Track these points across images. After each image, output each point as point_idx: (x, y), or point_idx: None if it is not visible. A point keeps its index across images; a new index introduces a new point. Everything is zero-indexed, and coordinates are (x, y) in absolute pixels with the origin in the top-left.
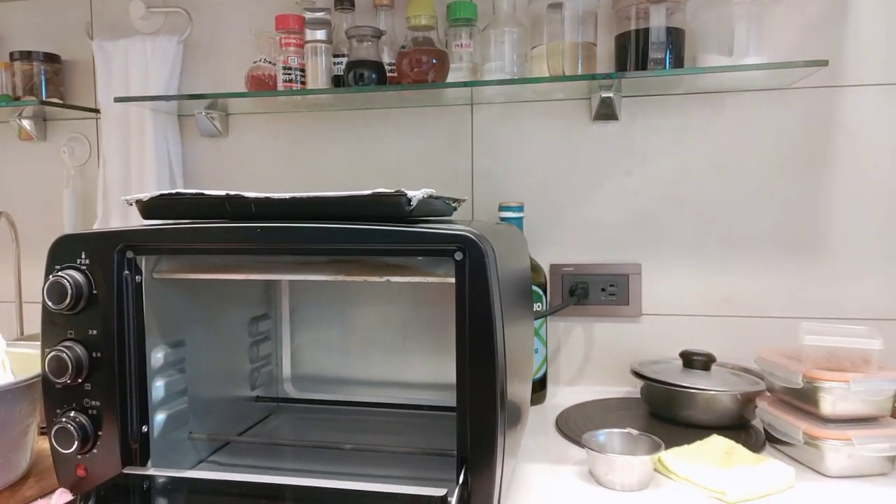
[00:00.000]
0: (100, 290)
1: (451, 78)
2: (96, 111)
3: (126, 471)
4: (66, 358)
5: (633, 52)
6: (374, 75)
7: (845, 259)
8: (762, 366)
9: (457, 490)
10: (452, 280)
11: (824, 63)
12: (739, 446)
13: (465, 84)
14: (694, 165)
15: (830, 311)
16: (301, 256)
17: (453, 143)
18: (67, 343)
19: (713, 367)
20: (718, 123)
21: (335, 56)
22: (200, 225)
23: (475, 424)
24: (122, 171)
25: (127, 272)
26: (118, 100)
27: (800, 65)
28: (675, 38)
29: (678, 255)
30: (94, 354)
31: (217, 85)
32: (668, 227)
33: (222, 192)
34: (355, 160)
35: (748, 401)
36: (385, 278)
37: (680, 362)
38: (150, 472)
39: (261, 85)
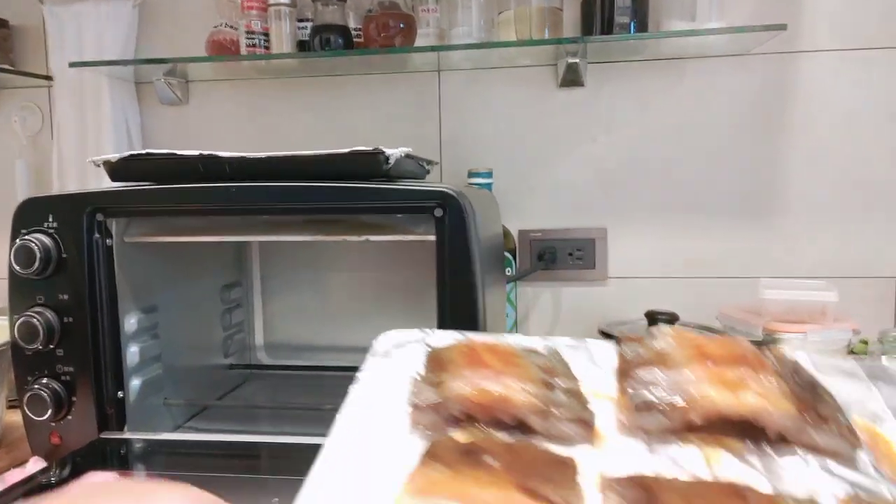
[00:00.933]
0: (69, 253)
1: (417, 43)
2: (49, 78)
3: (103, 436)
4: (37, 323)
5: (598, 18)
6: (340, 40)
7: (801, 220)
8: (723, 321)
9: None
10: (432, 238)
11: (783, 27)
12: None
13: (432, 48)
14: (657, 131)
15: (788, 270)
16: (277, 217)
17: (421, 109)
18: (37, 309)
19: (676, 325)
20: (680, 89)
21: (299, 21)
22: (174, 186)
23: None
24: (77, 140)
25: (97, 235)
26: (73, 65)
27: (758, 29)
28: (640, 3)
29: (642, 220)
30: (65, 319)
31: (176, 51)
32: (633, 192)
33: (195, 153)
34: (322, 128)
35: None
36: (364, 237)
37: (645, 322)
38: (127, 435)
39: (222, 50)
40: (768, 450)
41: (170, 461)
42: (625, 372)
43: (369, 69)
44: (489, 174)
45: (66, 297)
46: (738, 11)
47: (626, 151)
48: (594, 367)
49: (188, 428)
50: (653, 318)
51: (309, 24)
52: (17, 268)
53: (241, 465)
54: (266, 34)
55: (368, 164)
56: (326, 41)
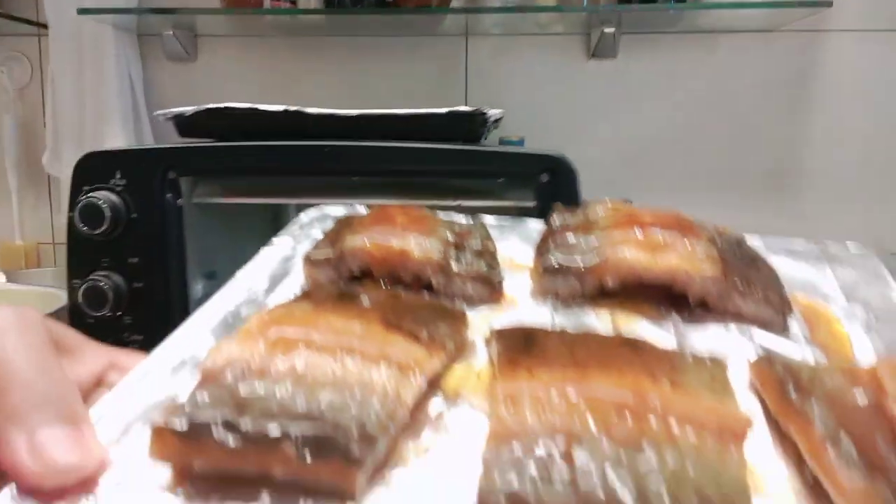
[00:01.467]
0: (139, 213)
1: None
2: (42, 26)
3: None
4: (105, 288)
5: None
6: None
7: (823, 196)
8: None
9: None
10: (531, 204)
11: (828, 4)
12: None
13: (469, 10)
14: (685, 104)
15: None
16: (364, 178)
17: (447, 75)
18: (102, 272)
19: None
20: (710, 63)
21: None
22: (257, 144)
23: None
24: (75, 94)
25: (169, 195)
26: (82, 11)
27: (806, 4)
28: None
29: (667, 193)
30: (134, 285)
31: (184, 1)
32: (660, 164)
33: (279, 107)
34: (339, 92)
35: None
36: (457, 202)
37: None
38: None
39: (241, 2)
40: (688, 317)
41: None
42: (545, 239)
43: (394, 31)
44: (521, 142)
45: (135, 260)
46: None
47: (654, 125)
48: (520, 242)
49: None
50: None
51: None
52: (84, 227)
53: None
54: None
55: (466, 126)
56: None
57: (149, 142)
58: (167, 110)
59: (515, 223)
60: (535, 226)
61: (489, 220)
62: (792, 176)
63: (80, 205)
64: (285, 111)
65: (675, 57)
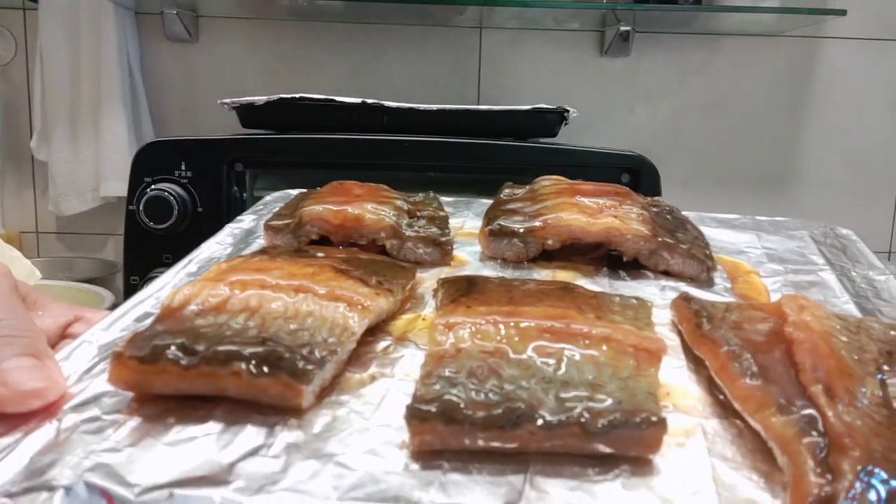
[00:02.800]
0: (205, 207)
1: None
2: None
3: None
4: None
5: None
6: None
7: (815, 196)
8: None
9: None
10: None
11: (842, 12)
12: None
13: (492, 2)
14: (692, 104)
15: None
16: (435, 174)
17: (459, 66)
18: (164, 269)
19: None
20: (716, 64)
21: None
22: (332, 136)
23: None
24: (67, 73)
25: (235, 188)
26: None
27: (820, 12)
28: None
29: (673, 191)
30: None
31: None
32: (666, 162)
33: (356, 100)
34: (348, 80)
35: None
36: None
37: None
38: None
39: None
40: (622, 273)
41: None
42: (493, 207)
43: (410, 19)
44: None
45: None
46: None
47: (662, 123)
48: (473, 217)
49: None
50: None
51: None
52: (149, 221)
53: None
54: None
55: (546, 123)
56: None
57: (147, 126)
58: (234, 98)
59: (470, 201)
60: (488, 202)
61: (444, 198)
62: (791, 175)
63: (145, 197)
64: (363, 103)
65: (684, 57)
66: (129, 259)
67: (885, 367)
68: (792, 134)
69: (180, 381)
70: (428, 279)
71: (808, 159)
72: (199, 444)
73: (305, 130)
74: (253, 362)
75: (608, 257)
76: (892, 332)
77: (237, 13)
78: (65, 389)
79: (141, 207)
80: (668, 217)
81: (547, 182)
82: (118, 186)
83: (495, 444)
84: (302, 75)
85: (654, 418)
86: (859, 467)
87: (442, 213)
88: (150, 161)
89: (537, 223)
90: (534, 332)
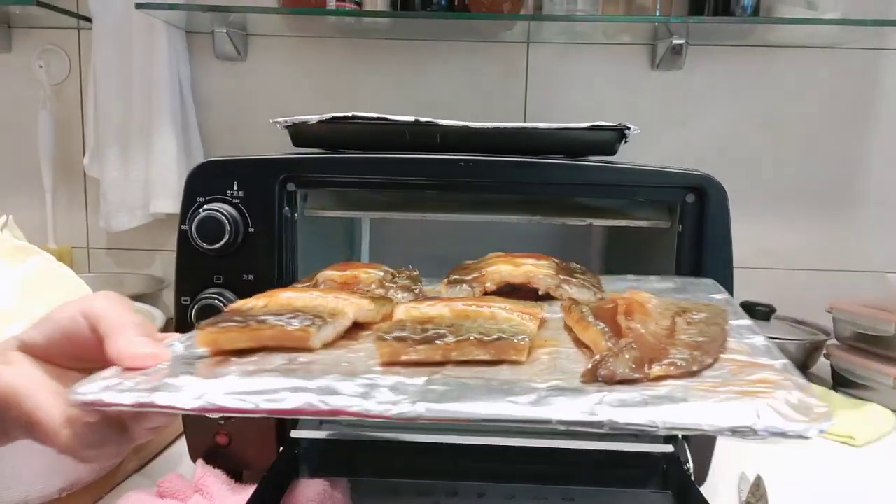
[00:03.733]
0: (256, 227)
1: None
2: (85, 19)
3: (295, 434)
4: (220, 307)
5: None
6: (443, 1)
7: (879, 215)
8: (840, 316)
9: (686, 446)
10: (666, 224)
11: None
12: (830, 392)
13: (541, 18)
14: (745, 119)
15: (864, 265)
16: (493, 195)
17: (505, 82)
18: (215, 290)
19: (773, 318)
20: (771, 79)
21: None
22: (386, 155)
23: None
24: (119, 93)
25: (286, 208)
26: (140, 6)
27: (886, 23)
28: None
29: None
30: None
31: None
32: (720, 177)
33: (409, 118)
34: (393, 96)
35: (814, 349)
36: (588, 221)
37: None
38: (324, 434)
39: (300, 2)
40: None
41: (393, 459)
42: (452, 269)
43: (458, 35)
44: None
45: (251, 277)
46: (833, 2)
47: (714, 138)
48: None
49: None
50: (751, 309)
51: None
52: (202, 242)
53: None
54: None
55: (605, 141)
56: (430, 1)
57: (196, 144)
58: (286, 118)
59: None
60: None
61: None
62: (851, 192)
63: (197, 217)
64: (416, 122)
65: (738, 70)
66: (182, 278)
67: (678, 316)
68: (853, 151)
69: (237, 335)
70: (401, 308)
71: (870, 178)
72: (250, 369)
73: (357, 149)
74: (283, 318)
75: (534, 293)
76: (689, 304)
77: (286, 32)
78: (167, 355)
79: (193, 228)
80: (573, 266)
81: (492, 254)
82: (167, 203)
83: (427, 354)
84: (348, 91)
85: (521, 336)
86: (630, 341)
87: (415, 276)
88: (203, 181)
89: (478, 273)
90: (458, 308)
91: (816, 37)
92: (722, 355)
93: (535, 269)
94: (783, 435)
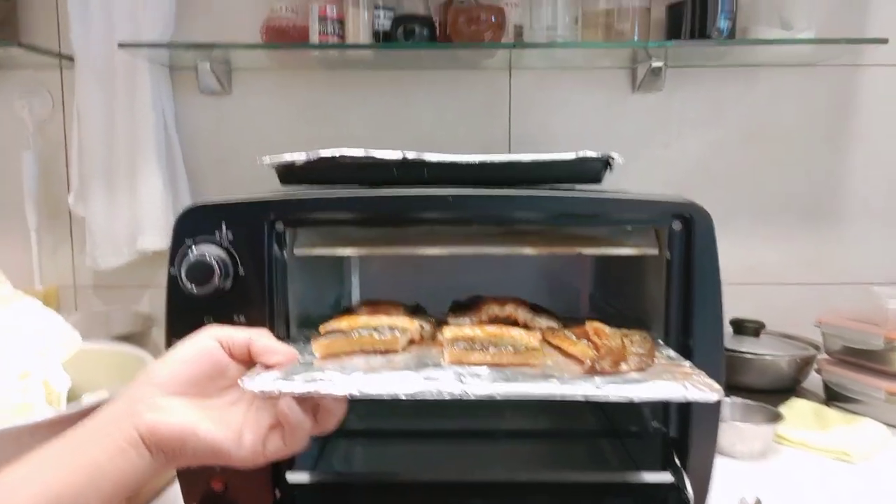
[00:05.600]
0: (246, 269)
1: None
2: (66, 58)
3: (290, 477)
4: None
5: (688, 20)
6: (425, 31)
7: (863, 226)
8: (829, 330)
9: (684, 474)
10: (654, 252)
11: (884, 41)
12: (824, 407)
13: (523, 45)
14: (727, 138)
15: (850, 277)
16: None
17: (489, 109)
18: None
19: (763, 334)
20: (750, 97)
21: (375, 8)
22: (371, 193)
23: (699, 405)
24: (103, 131)
25: (276, 248)
26: (123, 46)
27: (861, 41)
28: (734, 9)
29: None
30: None
31: (216, 33)
32: (700, 198)
33: (397, 153)
34: (379, 125)
35: (805, 364)
36: (577, 250)
37: (730, 329)
38: (317, 477)
39: (283, 37)
40: None
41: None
42: (452, 309)
43: (441, 64)
44: None
45: (242, 318)
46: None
47: (696, 158)
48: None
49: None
50: (739, 325)
51: (383, 13)
52: (191, 286)
53: None
54: (341, 21)
55: (591, 170)
56: (411, 32)
57: (182, 179)
58: (272, 157)
59: None
60: None
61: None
62: (834, 205)
63: (186, 261)
64: (404, 158)
65: (718, 90)
66: (172, 321)
67: (624, 337)
68: (834, 164)
69: (344, 344)
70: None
71: (852, 190)
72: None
73: (345, 185)
74: (373, 330)
75: (514, 323)
76: (627, 331)
77: (270, 65)
78: (297, 356)
79: (183, 272)
80: (539, 306)
81: (484, 296)
82: (154, 240)
83: (479, 358)
84: (334, 121)
85: (536, 349)
86: (605, 350)
87: (432, 321)
88: (191, 225)
89: (476, 310)
90: (488, 331)
91: (792, 55)
92: (655, 360)
93: (514, 309)
94: (700, 400)
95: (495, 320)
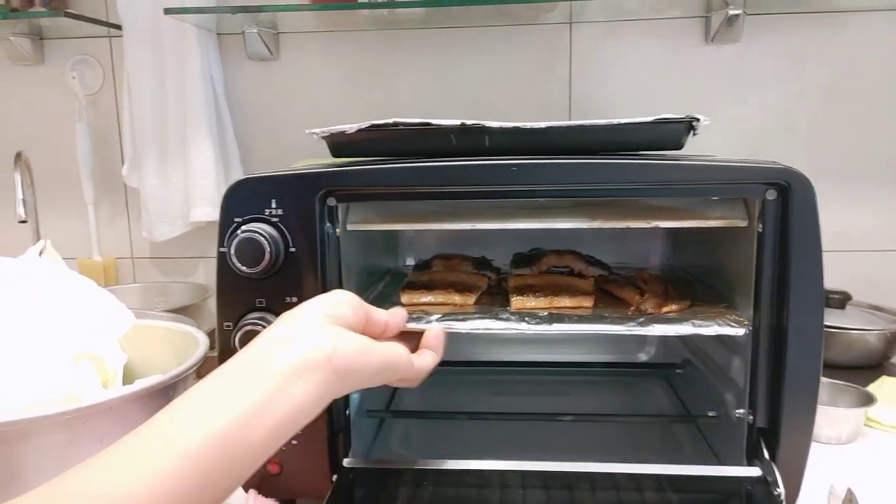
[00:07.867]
0: (298, 247)
1: None
2: (115, 27)
3: (347, 462)
4: None
5: None
6: None
7: None
8: None
9: (774, 468)
10: (743, 224)
11: None
12: None
13: None
14: (808, 91)
15: None
16: (545, 200)
17: (547, 66)
18: (257, 314)
19: (848, 305)
20: (834, 46)
21: None
22: (430, 163)
23: (793, 390)
24: (154, 100)
25: (328, 224)
26: (168, 11)
27: None
28: None
29: None
30: None
31: None
32: (783, 155)
33: (455, 121)
34: (431, 88)
35: (895, 339)
36: (652, 224)
37: None
38: (376, 464)
39: None
40: None
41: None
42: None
43: (495, 20)
44: None
45: (294, 299)
46: None
47: (776, 114)
48: None
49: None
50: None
51: None
52: (241, 266)
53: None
54: None
55: (671, 135)
56: None
57: (233, 148)
58: (323, 128)
59: None
60: None
61: None
62: None
63: (236, 240)
64: (462, 125)
65: (798, 39)
66: (223, 303)
67: (668, 283)
68: None
69: (427, 295)
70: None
71: None
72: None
73: (400, 156)
74: (451, 287)
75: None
76: (669, 278)
77: (317, 28)
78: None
79: (232, 251)
80: (590, 256)
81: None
82: (206, 212)
83: (540, 303)
84: (384, 85)
85: (589, 293)
86: (648, 294)
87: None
88: (239, 200)
89: (536, 261)
90: (546, 278)
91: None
92: (694, 304)
93: (573, 260)
94: (730, 334)
95: (553, 271)
